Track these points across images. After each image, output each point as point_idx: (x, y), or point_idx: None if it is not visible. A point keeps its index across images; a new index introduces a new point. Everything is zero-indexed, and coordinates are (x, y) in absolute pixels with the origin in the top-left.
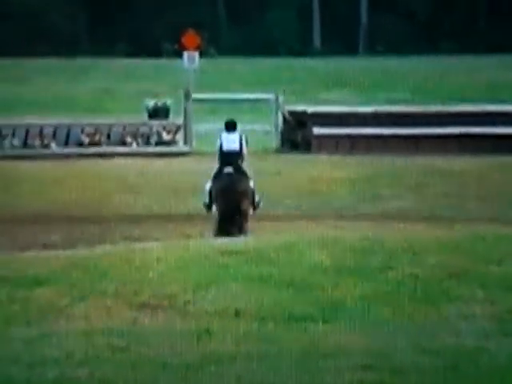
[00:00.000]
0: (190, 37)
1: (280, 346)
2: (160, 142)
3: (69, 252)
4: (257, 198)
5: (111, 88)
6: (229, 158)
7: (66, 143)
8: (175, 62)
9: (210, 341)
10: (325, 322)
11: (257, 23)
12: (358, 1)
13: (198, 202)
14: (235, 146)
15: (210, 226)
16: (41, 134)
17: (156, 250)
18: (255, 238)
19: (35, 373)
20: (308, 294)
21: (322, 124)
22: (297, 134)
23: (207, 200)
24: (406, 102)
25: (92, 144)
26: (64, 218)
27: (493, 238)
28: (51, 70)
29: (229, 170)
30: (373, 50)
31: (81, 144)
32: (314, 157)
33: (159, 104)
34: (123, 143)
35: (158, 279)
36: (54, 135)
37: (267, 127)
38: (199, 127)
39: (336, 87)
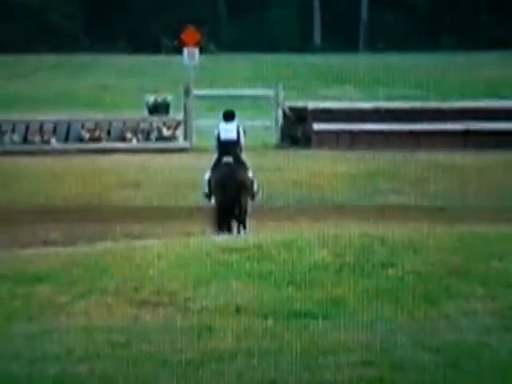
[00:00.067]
0: (190, 33)
1: (280, 342)
2: (160, 138)
3: (69, 249)
4: (255, 188)
5: (111, 84)
6: (227, 147)
7: (66, 139)
8: (175, 58)
9: (211, 337)
10: (325, 318)
11: (257, 20)
12: None
13: (198, 198)
14: (233, 136)
15: (210, 217)
16: (41, 130)
17: (156, 247)
18: (255, 234)
19: (36, 369)
20: (308, 291)
21: (322, 120)
22: (297, 130)
23: (206, 190)
24: (406, 98)
25: (92, 140)
26: (64, 214)
27: (494, 235)
28: (51, 66)
29: (227, 159)
30: (373, 46)
31: (81, 140)
32: (314, 152)
33: (159, 100)
34: (123, 139)
35: (158, 276)
36: (54, 131)
37: (267, 123)
38: (199, 123)
39: (336, 83)
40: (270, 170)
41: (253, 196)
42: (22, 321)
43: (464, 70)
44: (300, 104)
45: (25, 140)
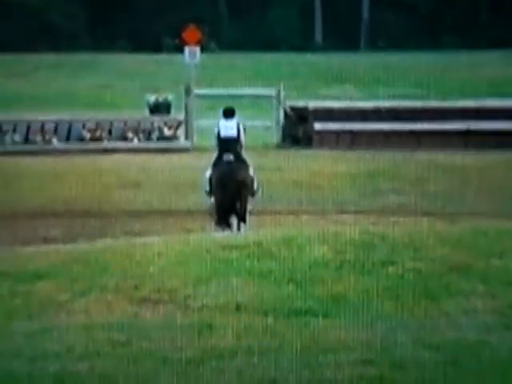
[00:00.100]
0: (191, 32)
1: (281, 340)
2: (161, 138)
3: (69, 246)
4: (255, 185)
5: (112, 83)
6: (227, 144)
7: (68, 139)
8: (176, 57)
9: (211, 335)
10: (325, 316)
11: (258, 19)
12: None
13: (198, 198)
14: (233, 133)
15: (210, 216)
16: (42, 130)
17: (157, 245)
18: (256, 232)
19: (36, 367)
20: (309, 289)
21: (323, 119)
22: (298, 130)
23: (208, 188)
24: (407, 97)
25: (93, 139)
26: (65, 212)
27: (494, 233)
28: (52, 65)
29: (228, 157)
30: (374, 45)
31: (82, 139)
32: (315, 152)
33: (160, 99)
34: (124, 139)
35: (158, 274)
36: (56, 131)
37: (268, 123)
38: (200, 123)
39: (337, 83)
40: (270, 169)
41: (253, 194)
42: (22, 319)
43: (465, 69)
44: (301, 103)
45: (26, 140)
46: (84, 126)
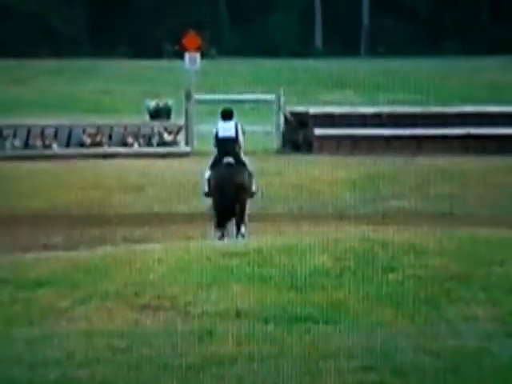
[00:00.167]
0: (191, 38)
1: (281, 347)
2: (161, 143)
3: (70, 253)
4: (253, 188)
5: (112, 89)
6: (225, 145)
7: (68, 144)
8: (176, 63)
9: (212, 342)
10: (326, 323)
11: (258, 25)
12: (360, 2)
13: (199, 203)
14: (231, 133)
15: (209, 220)
16: (42, 135)
17: (157, 252)
18: (256, 239)
19: (37, 373)
20: (309, 295)
21: (324, 125)
22: (298, 135)
23: (206, 189)
24: (407, 102)
25: (93, 145)
26: (65, 219)
27: (495, 240)
28: (52, 71)
29: (228, 160)
30: (374, 51)
31: (82, 145)
32: (315, 157)
33: (161, 105)
34: (125, 144)
35: (159, 280)
36: (56, 136)
37: (268, 128)
38: (200, 128)
39: (337, 88)
40: (270, 175)
41: (252, 195)
42: (22, 325)
43: (465, 75)
44: (301, 109)
45: (26, 145)
46: (84, 131)
